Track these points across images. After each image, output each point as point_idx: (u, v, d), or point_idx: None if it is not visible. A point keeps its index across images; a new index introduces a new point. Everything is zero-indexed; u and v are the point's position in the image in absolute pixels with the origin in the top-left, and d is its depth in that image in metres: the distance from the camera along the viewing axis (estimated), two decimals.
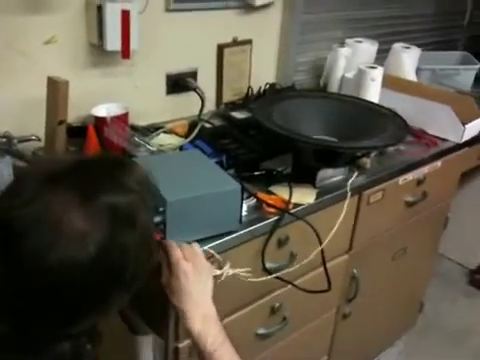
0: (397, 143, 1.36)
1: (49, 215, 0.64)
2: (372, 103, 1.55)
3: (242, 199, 1.09)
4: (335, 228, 1.30)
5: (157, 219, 0.97)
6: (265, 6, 1.75)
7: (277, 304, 1.36)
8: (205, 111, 1.62)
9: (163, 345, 1.17)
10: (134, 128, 1.47)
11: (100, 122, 1.34)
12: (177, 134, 1.51)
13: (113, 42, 1.37)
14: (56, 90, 1.19)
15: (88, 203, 0.66)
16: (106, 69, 1.45)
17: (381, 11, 2.20)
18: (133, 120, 1.48)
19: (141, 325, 1.17)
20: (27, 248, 0.63)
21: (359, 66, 1.71)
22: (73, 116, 1.39)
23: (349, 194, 1.32)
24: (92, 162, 0.74)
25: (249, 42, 1.77)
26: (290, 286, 1.32)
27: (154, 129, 1.51)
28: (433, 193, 1.70)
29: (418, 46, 2.10)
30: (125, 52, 1.39)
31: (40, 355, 0.72)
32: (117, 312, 0.77)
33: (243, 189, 1.08)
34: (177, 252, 0.94)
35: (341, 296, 1.60)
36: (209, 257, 1.04)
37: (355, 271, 1.58)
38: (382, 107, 1.50)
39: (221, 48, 1.70)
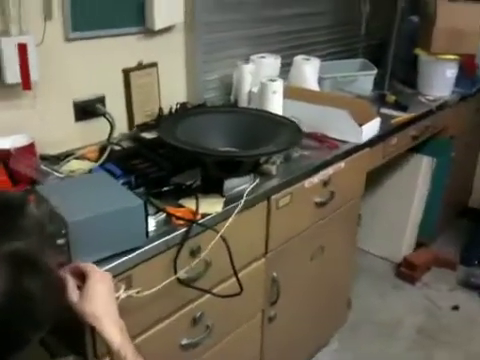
0: (290, 147, 1.46)
1: None
2: (273, 114, 1.64)
3: (147, 214, 1.14)
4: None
5: (60, 241, 0.99)
6: (167, 29, 1.81)
7: (198, 313, 1.40)
8: (117, 134, 1.66)
9: None
10: (44, 158, 1.50)
11: (4, 155, 1.35)
12: (89, 159, 1.54)
13: (12, 75, 1.39)
14: None
15: None
16: (9, 102, 1.46)
17: (282, 26, 2.31)
18: (44, 150, 1.50)
19: (59, 348, 1.18)
20: None
21: (261, 80, 1.80)
22: None
23: (243, 201, 1.36)
24: None
25: (154, 65, 1.83)
26: (209, 295, 1.37)
27: (65, 156, 1.54)
28: (340, 192, 1.80)
29: (321, 57, 2.23)
30: (25, 84, 1.41)
31: None
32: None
33: (146, 204, 1.12)
34: (96, 275, 0.97)
35: (264, 300, 1.65)
36: None
37: (274, 274, 1.64)
38: (281, 117, 1.59)
39: (127, 73, 1.75)
